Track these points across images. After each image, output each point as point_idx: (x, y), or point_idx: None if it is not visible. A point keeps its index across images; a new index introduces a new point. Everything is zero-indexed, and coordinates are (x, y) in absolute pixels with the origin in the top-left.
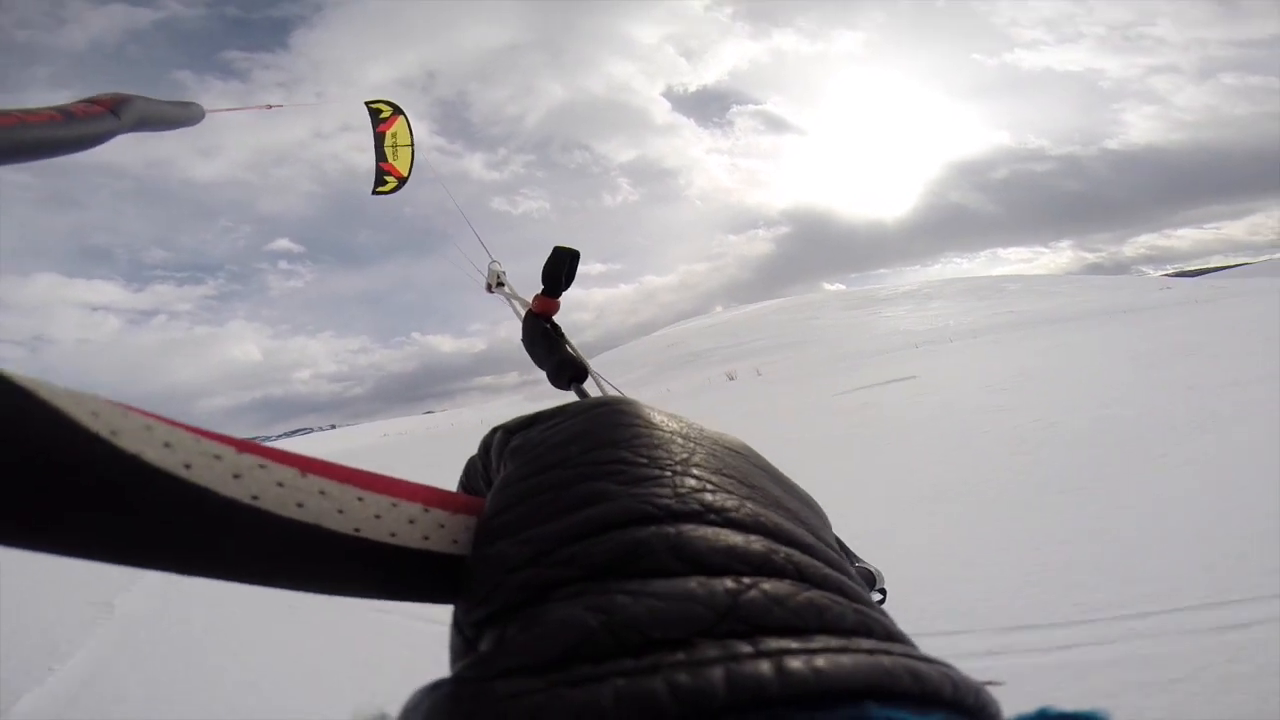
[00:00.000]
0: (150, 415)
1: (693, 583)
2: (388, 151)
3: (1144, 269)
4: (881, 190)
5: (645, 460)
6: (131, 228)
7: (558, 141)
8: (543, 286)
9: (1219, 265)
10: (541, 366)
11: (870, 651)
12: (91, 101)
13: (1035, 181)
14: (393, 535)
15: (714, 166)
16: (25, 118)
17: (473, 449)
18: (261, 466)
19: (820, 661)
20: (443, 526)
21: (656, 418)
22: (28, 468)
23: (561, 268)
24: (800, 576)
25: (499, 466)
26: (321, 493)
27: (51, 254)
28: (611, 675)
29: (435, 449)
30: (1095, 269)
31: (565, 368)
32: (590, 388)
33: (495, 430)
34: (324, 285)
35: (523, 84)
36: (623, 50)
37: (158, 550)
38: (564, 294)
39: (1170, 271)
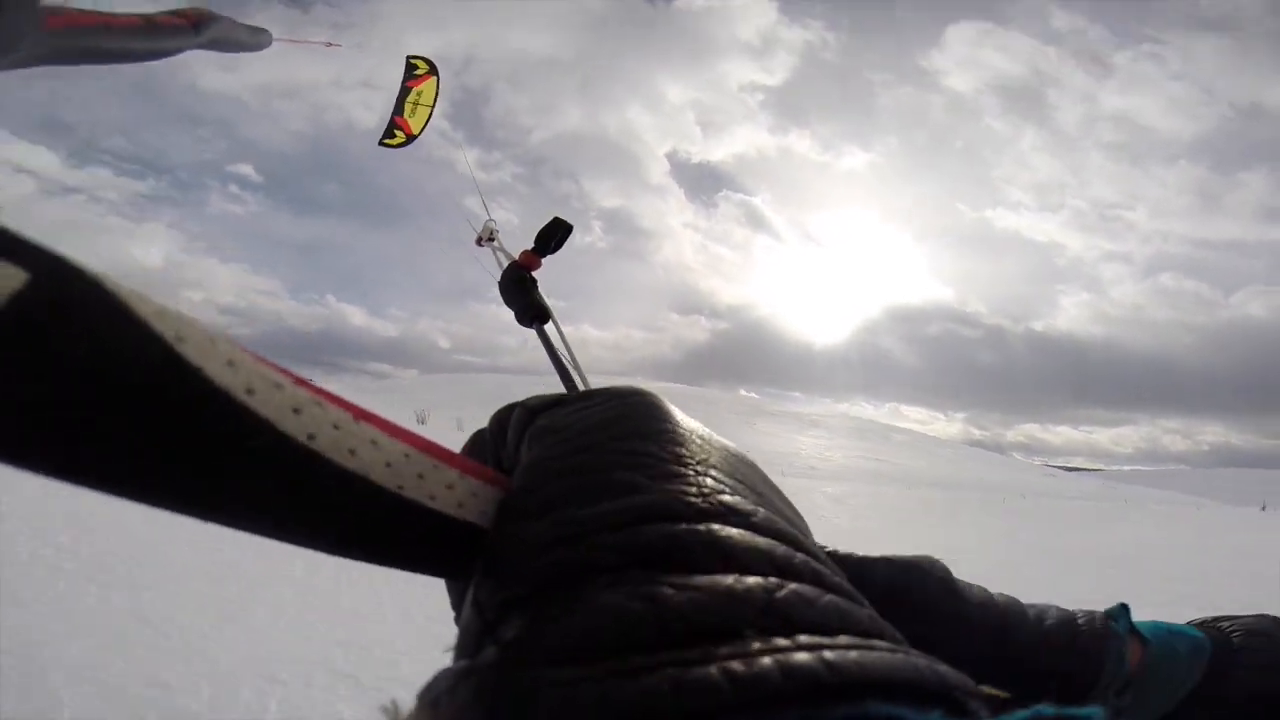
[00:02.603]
0: (211, 330)
1: (730, 579)
2: (407, 106)
3: (1017, 455)
4: (822, 315)
5: (670, 456)
6: (107, 112)
7: (552, 165)
8: (533, 245)
9: (1079, 467)
10: (511, 307)
11: (888, 651)
12: (176, 13)
13: (960, 346)
14: (432, 498)
15: (686, 241)
16: (109, 20)
17: None
18: (318, 405)
19: (854, 655)
20: (475, 495)
21: (678, 414)
22: (73, 352)
23: (554, 234)
24: (817, 581)
25: (518, 445)
26: (373, 442)
27: (10, 113)
28: (666, 665)
29: None
30: (978, 444)
31: (531, 309)
32: (550, 332)
33: (514, 406)
34: (265, 221)
35: (545, 100)
36: (648, 101)
37: (201, 485)
38: (547, 258)
39: (1038, 463)
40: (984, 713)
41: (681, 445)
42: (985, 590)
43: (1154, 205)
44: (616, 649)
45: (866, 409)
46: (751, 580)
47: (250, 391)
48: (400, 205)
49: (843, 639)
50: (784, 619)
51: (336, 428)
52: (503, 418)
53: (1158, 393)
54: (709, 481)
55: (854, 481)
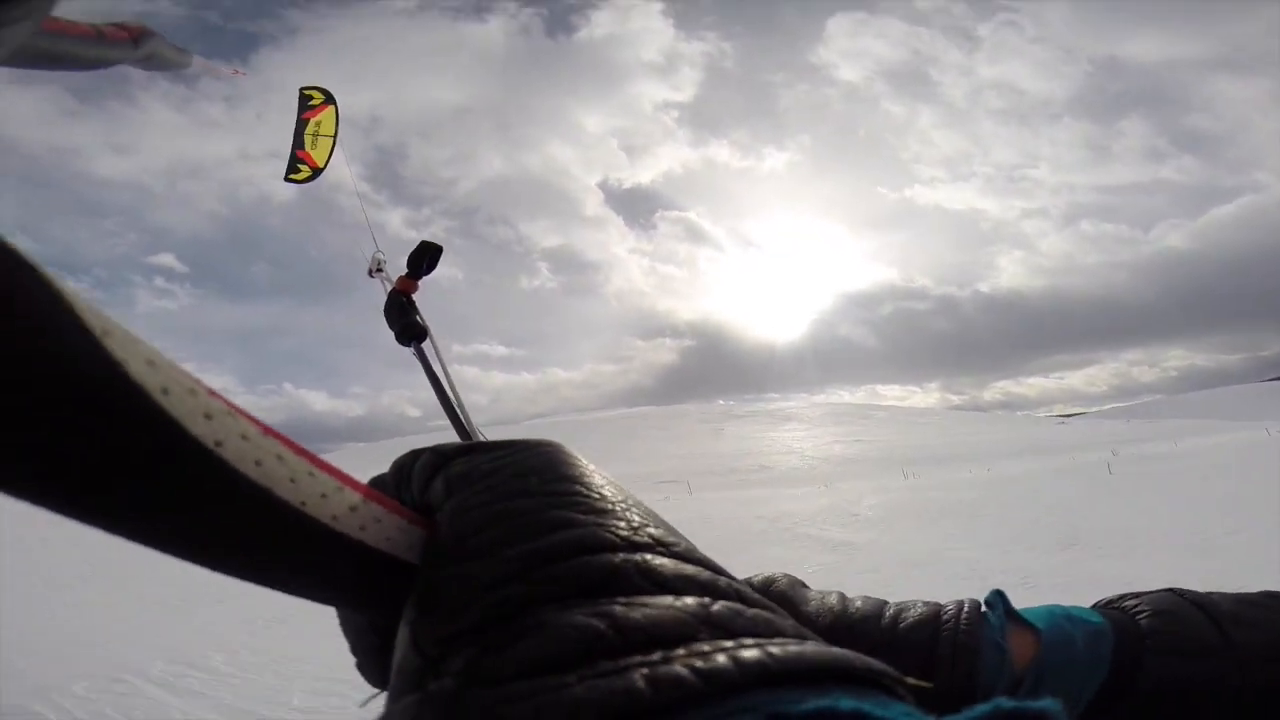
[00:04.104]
0: (133, 332)
1: (669, 598)
2: (306, 139)
3: (999, 412)
4: (778, 315)
5: (598, 496)
6: (2, 206)
7: (484, 213)
8: (407, 270)
9: (1061, 413)
10: (392, 327)
11: (820, 646)
12: (120, 26)
13: (915, 320)
14: (334, 518)
15: (634, 267)
16: (66, 28)
17: None
18: (229, 415)
19: (794, 648)
20: (379, 521)
21: (588, 462)
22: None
23: (424, 257)
24: (740, 599)
25: (425, 488)
26: (279, 457)
27: None
28: (634, 667)
29: None
30: (958, 410)
31: (409, 328)
32: (428, 349)
33: (419, 452)
34: (200, 313)
35: (464, 149)
36: (568, 135)
37: (104, 486)
38: (425, 280)
39: (1043, 415)
40: (911, 700)
41: (604, 486)
42: (843, 597)
43: (1053, 161)
44: (583, 660)
45: (844, 395)
46: (688, 599)
47: (165, 391)
48: (334, 276)
49: (778, 640)
50: (724, 628)
51: (244, 438)
52: (405, 463)
53: (1111, 329)
54: (634, 517)
55: (842, 478)
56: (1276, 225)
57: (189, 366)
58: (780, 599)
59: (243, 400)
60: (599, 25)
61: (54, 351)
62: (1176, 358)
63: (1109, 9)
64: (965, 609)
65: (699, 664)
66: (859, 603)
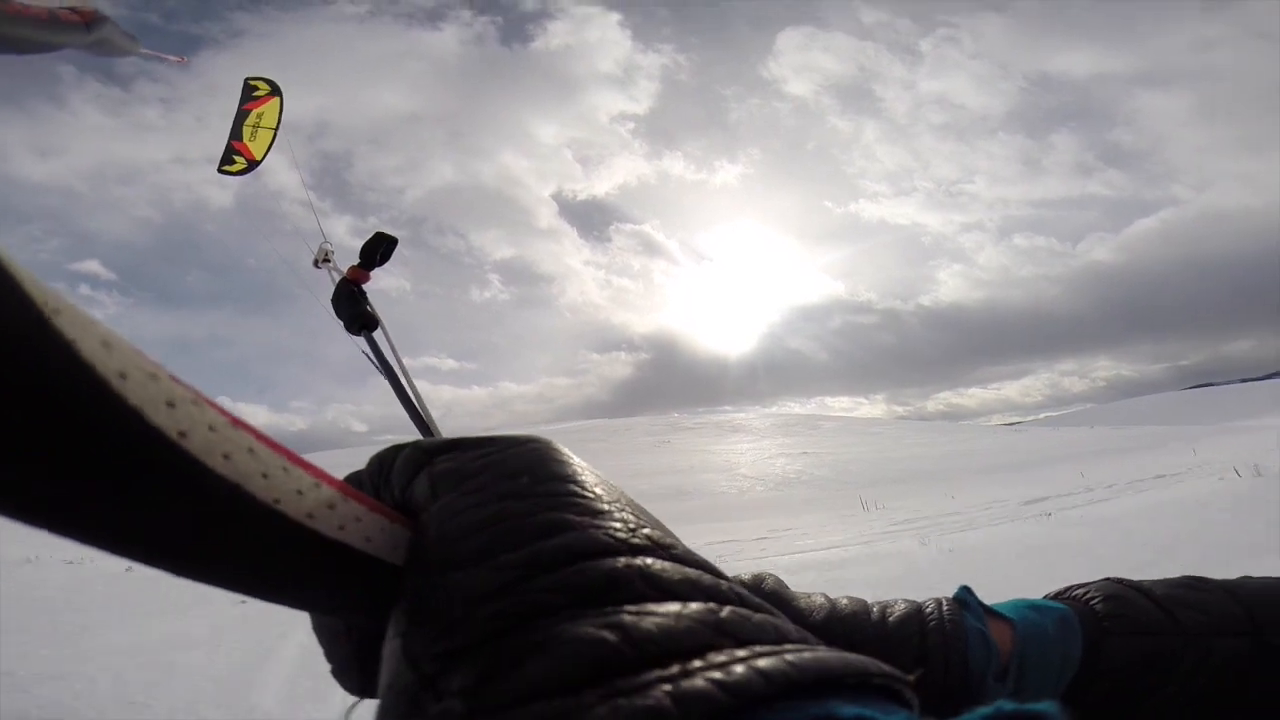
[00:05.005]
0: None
1: (676, 606)
2: (245, 130)
3: (941, 422)
4: (731, 328)
5: (593, 495)
6: None
7: (433, 223)
8: (359, 260)
9: (1000, 423)
10: (341, 317)
11: (831, 651)
12: (73, 10)
13: (861, 334)
14: (310, 516)
15: (589, 279)
16: (23, 10)
17: None
18: (195, 403)
19: (809, 655)
20: (359, 520)
21: (580, 459)
22: None
23: (379, 247)
24: (742, 603)
25: (406, 485)
26: (250, 450)
27: None
28: (656, 683)
29: None
30: (904, 420)
31: (359, 318)
32: (379, 339)
33: (399, 447)
34: (128, 322)
35: (413, 157)
36: (521, 145)
37: (52, 480)
38: (376, 271)
39: (995, 422)
40: (916, 704)
41: (598, 485)
42: (827, 597)
43: (989, 175)
44: (599, 677)
45: (795, 407)
46: (695, 606)
47: (123, 376)
48: (275, 287)
49: (789, 646)
50: (734, 636)
51: (212, 429)
52: (385, 458)
53: (1045, 341)
54: (630, 517)
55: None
56: (1193, 238)
57: None
58: (771, 598)
59: None
60: (555, 35)
61: None
62: (1104, 368)
63: (1042, 22)
64: (945, 604)
65: (720, 676)
66: (844, 600)
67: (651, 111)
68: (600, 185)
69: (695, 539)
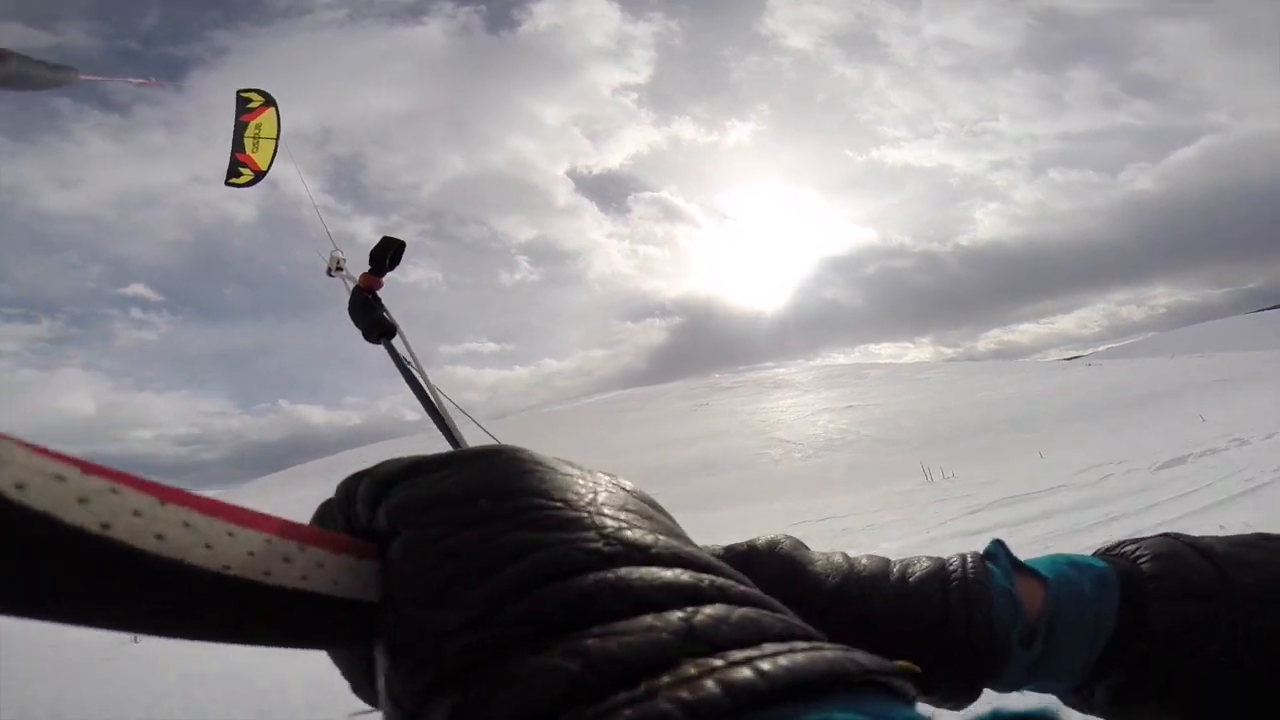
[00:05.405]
0: None
1: (648, 618)
2: (247, 142)
3: (995, 362)
4: (763, 284)
5: (561, 503)
6: None
7: (454, 214)
8: (369, 266)
9: (1058, 358)
10: (359, 325)
11: (810, 650)
12: None
13: (899, 278)
14: (267, 574)
15: (613, 251)
16: None
17: None
18: (114, 491)
19: (784, 661)
20: (321, 565)
21: (550, 459)
22: None
23: (387, 252)
24: (725, 598)
25: (370, 517)
26: (185, 524)
27: None
28: (618, 708)
29: None
30: (955, 362)
31: (376, 325)
32: (398, 344)
33: (360, 477)
34: (182, 340)
35: (422, 153)
36: (527, 129)
37: None
38: (396, 278)
39: (1053, 358)
40: (910, 690)
41: (567, 490)
42: (846, 557)
43: (1011, 113)
44: (562, 708)
45: (839, 358)
46: (669, 615)
47: (20, 486)
48: (308, 290)
49: (767, 647)
50: (708, 642)
51: (137, 514)
52: (349, 488)
53: (1094, 273)
54: (605, 521)
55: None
56: (1237, 163)
57: (180, 394)
58: (786, 561)
59: (241, 422)
60: (541, 17)
61: None
62: (1163, 295)
63: None
64: (969, 561)
65: (685, 695)
66: (865, 560)
67: (652, 80)
68: (613, 158)
69: (713, 535)
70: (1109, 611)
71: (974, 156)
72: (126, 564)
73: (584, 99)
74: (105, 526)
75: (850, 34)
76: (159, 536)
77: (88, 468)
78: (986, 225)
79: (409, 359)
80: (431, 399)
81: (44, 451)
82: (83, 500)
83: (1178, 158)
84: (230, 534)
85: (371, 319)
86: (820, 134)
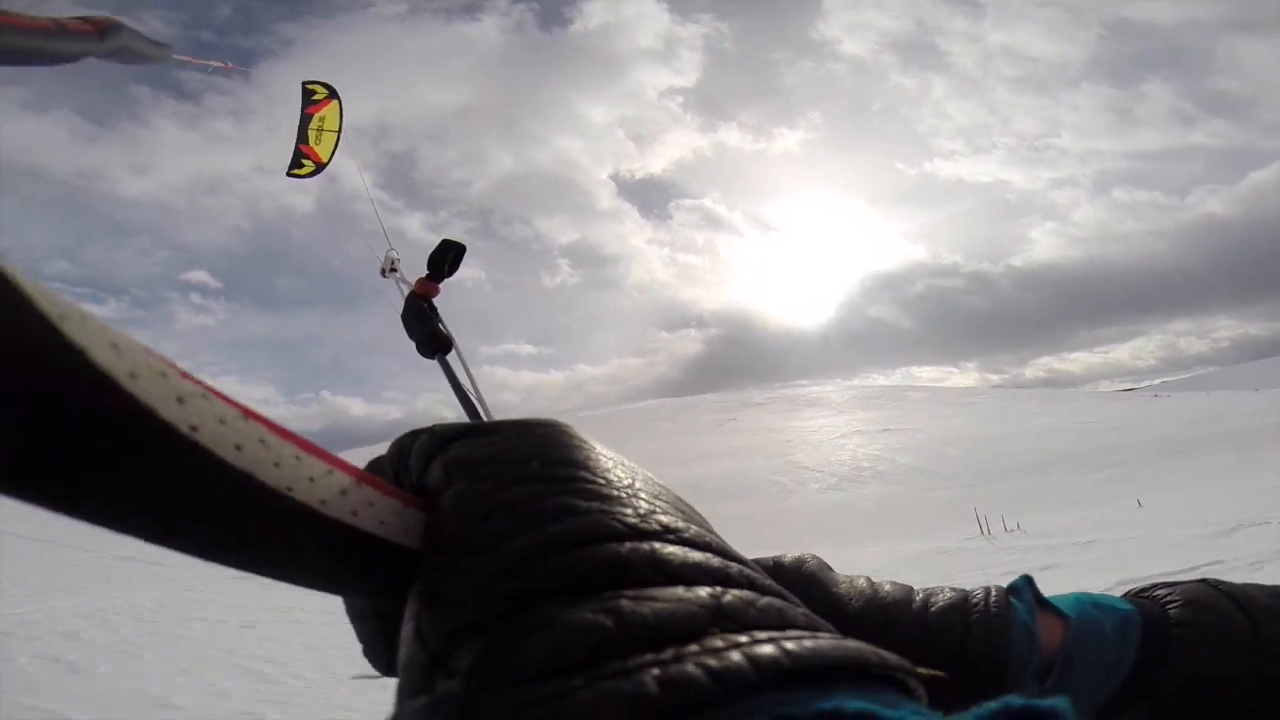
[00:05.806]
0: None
1: (679, 589)
2: (311, 134)
3: (1044, 390)
4: (805, 298)
5: (603, 480)
6: (38, 234)
7: (501, 213)
8: (427, 272)
9: (1112, 389)
10: (413, 338)
11: (834, 638)
12: (84, 19)
13: (948, 298)
14: (323, 502)
15: (653, 258)
16: (18, 21)
17: None
18: (204, 397)
19: (809, 643)
20: (372, 505)
21: (595, 442)
22: None
23: (446, 257)
24: (752, 586)
25: (422, 471)
26: (261, 441)
27: None
28: (645, 667)
29: None
30: (1001, 389)
31: (432, 339)
32: (453, 361)
33: (417, 433)
34: (236, 327)
35: (473, 149)
36: (574, 128)
37: (76, 477)
38: (446, 282)
39: (1120, 387)
40: (923, 692)
41: (610, 470)
42: (871, 581)
43: (1076, 128)
44: (590, 661)
45: (879, 379)
46: (699, 590)
47: (134, 376)
48: (360, 285)
49: (791, 632)
50: (735, 620)
51: (222, 422)
52: (404, 444)
53: (1155, 300)
54: (641, 503)
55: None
56: None
57: (230, 379)
58: (810, 580)
59: (283, 411)
60: (592, 16)
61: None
62: (1226, 327)
63: None
64: (993, 594)
65: (712, 663)
66: (888, 587)
67: (699, 83)
68: (656, 162)
69: None
70: (1128, 654)
71: (1034, 173)
72: (205, 468)
73: (630, 100)
74: (194, 429)
75: (909, 41)
76: (238, 447)
77: (184, 373)
78: (1043, 245)
79: (464, 376)
80: (484, 420)
81: (151, 351)
82: (180, 400)
83: (1253, 180)
84: (297, 458)
85: (426, 330)
86: (873, 144)
